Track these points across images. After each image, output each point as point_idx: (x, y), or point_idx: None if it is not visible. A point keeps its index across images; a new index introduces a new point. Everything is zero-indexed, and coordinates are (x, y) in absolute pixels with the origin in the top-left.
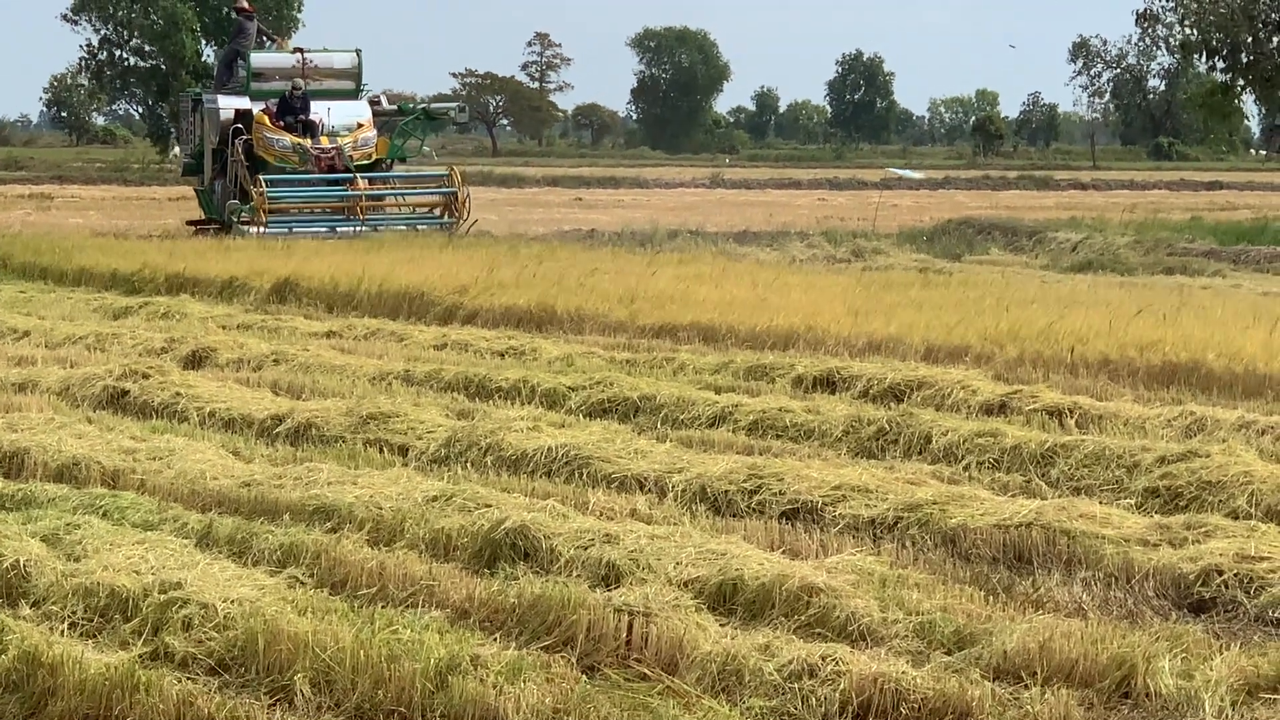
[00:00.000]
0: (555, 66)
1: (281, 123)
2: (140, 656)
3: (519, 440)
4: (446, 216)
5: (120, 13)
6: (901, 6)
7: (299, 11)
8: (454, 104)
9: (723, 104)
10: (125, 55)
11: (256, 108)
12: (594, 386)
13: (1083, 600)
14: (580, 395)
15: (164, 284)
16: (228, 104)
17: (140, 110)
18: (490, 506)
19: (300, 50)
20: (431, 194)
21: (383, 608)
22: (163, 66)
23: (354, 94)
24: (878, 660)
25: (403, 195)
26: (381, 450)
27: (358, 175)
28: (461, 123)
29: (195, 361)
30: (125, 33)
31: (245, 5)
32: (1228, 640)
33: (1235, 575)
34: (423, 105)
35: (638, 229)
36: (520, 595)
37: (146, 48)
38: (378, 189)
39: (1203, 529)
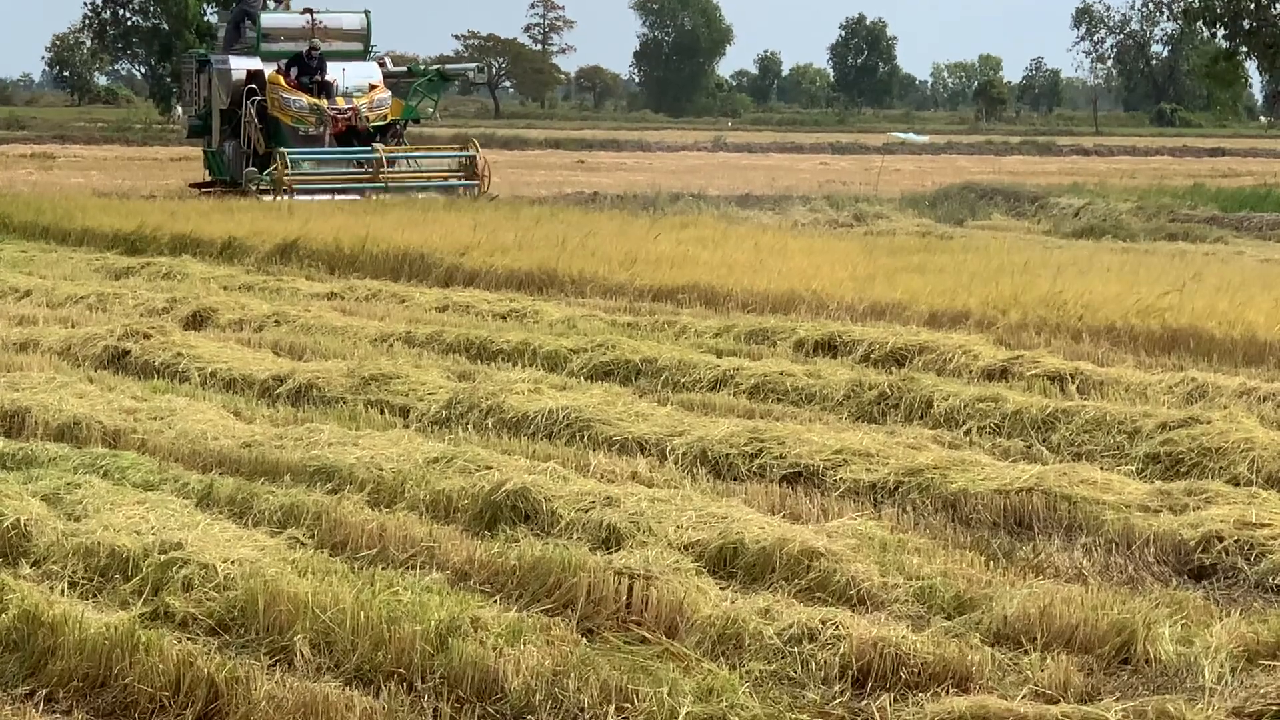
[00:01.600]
0: (558, 29)
1: (297, 83)
2: (140, 616)
3: (520, 402)
4: (463, 189)
5: None
6: None
7: None
8: (472, 64)
9: (725, 67)
10: (128, 15)
11: (268, 68)
12: (595, 349)
13: (1083, 566)
14: (581, 358)
15: (166, 244)
16: (239, 65)
17: (143, 70)
18: (491, 468)
19: (309, 11)
20: (451, 180)
21: (383, 569)
22: (165, 26)
23: (362, 55)
24: (878, 625)
25: (422, 177)
26: (382, 412)
27: (379, 150)
28: (480, 83)
29: (196, 322)
30: None
31: None
32: (1228, 607)
33: (1236, 542)
34: (436, 66)
35: (640, 192)
36: (520, 557)
37: (150, 7)
38: (399, 159)
39: (1203, 495)
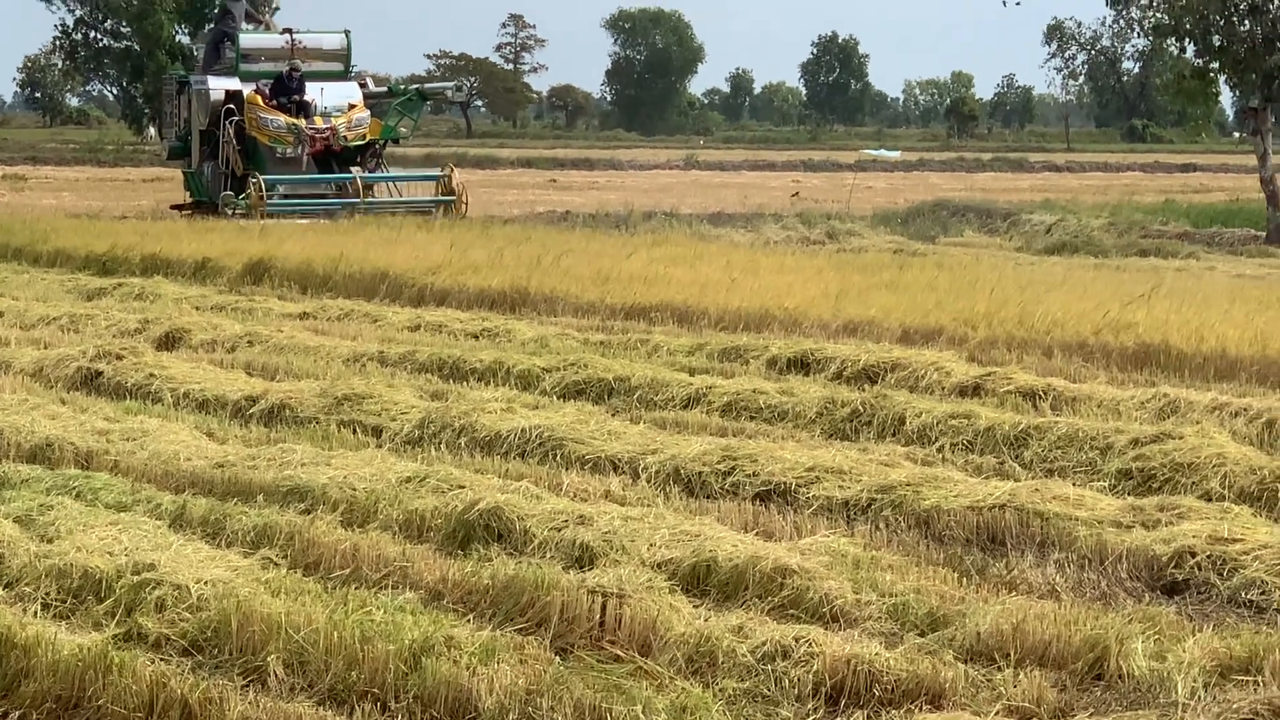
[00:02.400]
0: (529, 48)
1: (275, 103)
2: (113, 637)
3: (493, 421)
4: (442, 212)
5: None
6: None
7: None
8: (449, 83)
9: (697, 86)
10: (99, 36)
11: (247, 89)
12: (568, 368)
13: (1056, 582)
14: (554, 377)
15: (138, 265)
16: (218, 85)
17: (115, 91)
18: (464, 488)
19: (289, 31)
20: (429, 200)
21: (356, 589)
22: (137, 47)
23: (343, 75)
24: (851, 642)
25: (399, 198)
26: (355, 431)
27: (357, 176)
28: (458, 101)
29: (169, 342)
30: (100, 13)
31: None
32: (1200, 622)
33: (1208, 557)
34: (415, 86)
35: (612, 211)
36: (494, 576)
37: (121, 28)
38: (375, 183)
39: (1176, 511)
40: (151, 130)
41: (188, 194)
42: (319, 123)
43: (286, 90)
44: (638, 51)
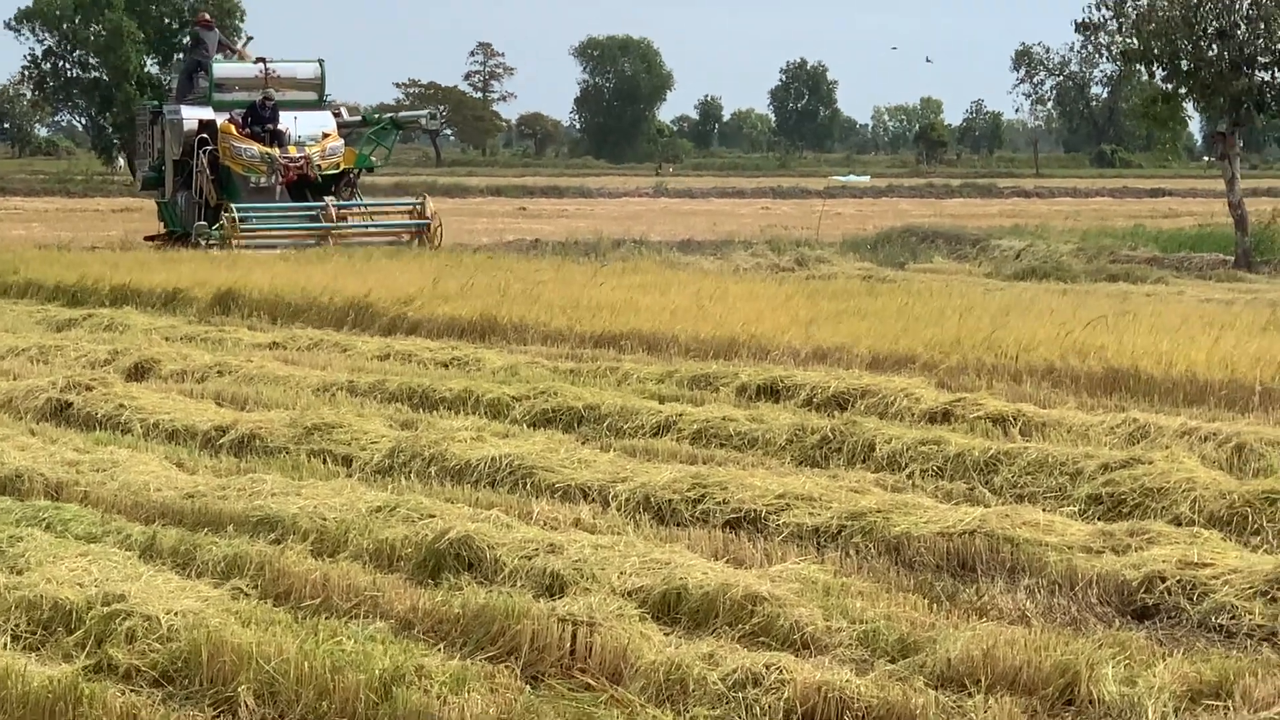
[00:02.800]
0: (498, 76)
1: (249, 132)
2: (84, 669)
3: (463, 450)
4: (416, 243)
5: (65, 24)
6: (845, 14)
7: (241, 21)
8: (423, 111)
9: (666, 113)
10: (68, 66)
11: (220, 118)
12: (538, 396)
13: (1026, 607)
14: (524, 405)
15: (107, 295)
16: (191, 115)
17: (84, 122)
18: (434, 517)
19: (263, 60)
20: (401, 225)
21: (327, 618)
22: (106, 78)
23: (317, 104)
24: (821, 669)
25: (373, 233)
26: (325, 461)
27: (331, 204)
28: (433, 129)
29: (139, 373)
30: (69, 44)
31: (206, 17)
32: (1171, 647)
33: (1178, 582)
34: (389, 115)
35: (582, 238)
36: (464, 605)
37: (90, 59)
38: (350, 214)
39: (1145, 536)
40: (121, 160)
41: (161, 225)
42: (293, 151)
43: (260, 119)
44: (606, 79)
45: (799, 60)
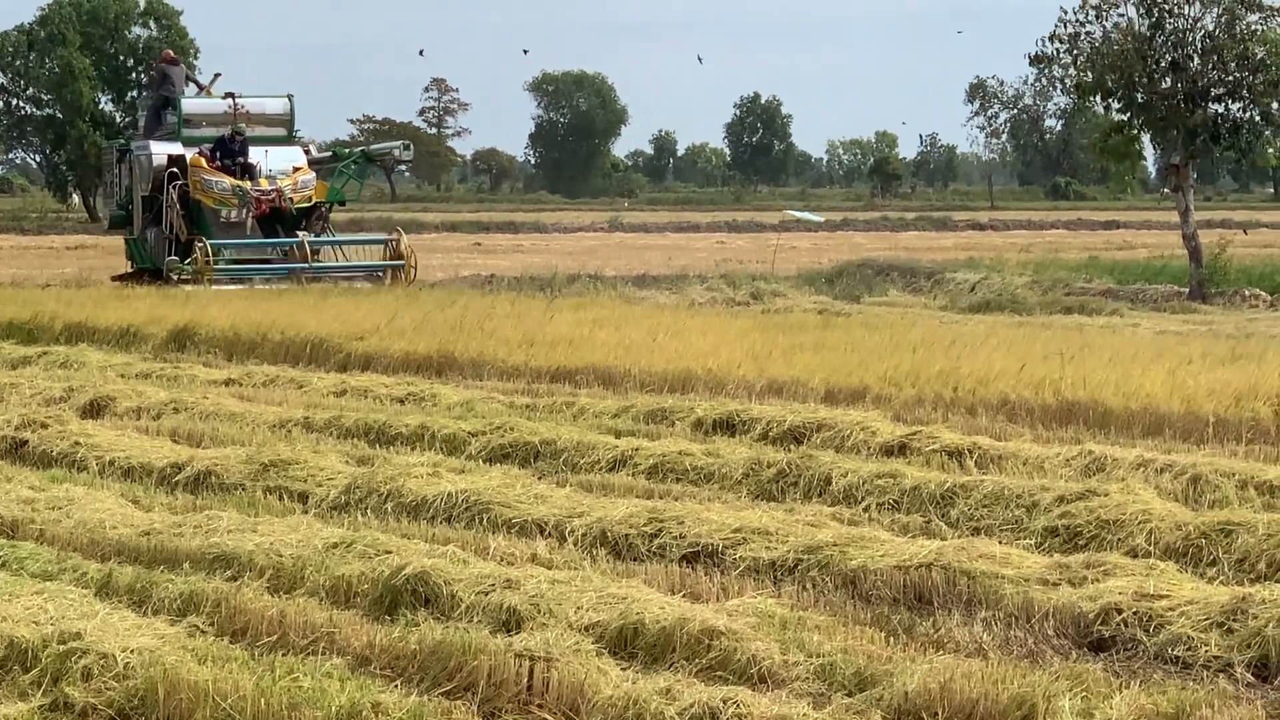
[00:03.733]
0: (453, 112)
1: (218, 165)
2: (40, 708)
3: (419, 486)
4: (390, 278)
5: (17, 61)
6: (800, 49)
7: (196, 59)
8: (396, 143)
9: (621, 148)
10: (21, 104)
11: (190, 153)
12: (494, 431)
13: (983, 640)
14: (480, 440)
15: (62, 333)
16: (160, 150)
17: (37, 159)
18: (390, 553)
19: (231, 95)
20: (378, 265)
21: (283, 655)
22: (59, 115)
23: (286, 140)
24: (779, 703)
25: (346, 263)
26: (281, 498)
27: (305, 240)
28: (407, 160)
29: (94, 410)
30: (21, 81)
31: (170, 54)
32: (1127, 678)
33: (1134, 614)
34: (360, 148)
35: (537, 274)
36: (421, 642)
37: (43, 96)
38: (323, 246)
39: (1102, 568)
40: (75, 197)
41: (130, 263)
42: (265, 185)
43: (230, 153)
44: (561, 114)
45: (753, 94)
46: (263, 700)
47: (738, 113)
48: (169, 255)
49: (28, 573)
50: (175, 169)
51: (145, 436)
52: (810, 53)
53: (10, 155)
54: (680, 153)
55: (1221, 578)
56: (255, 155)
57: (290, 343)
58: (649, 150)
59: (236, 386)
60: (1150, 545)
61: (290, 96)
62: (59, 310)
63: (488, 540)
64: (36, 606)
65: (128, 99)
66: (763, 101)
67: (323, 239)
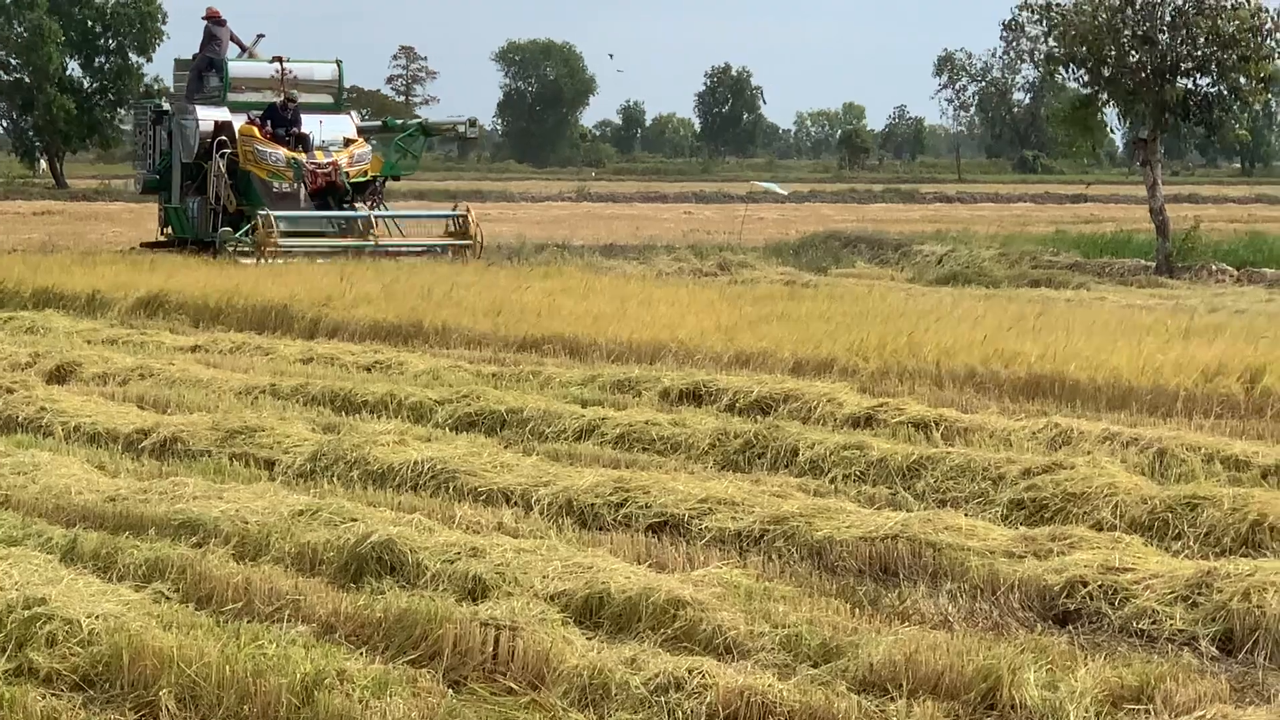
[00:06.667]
0: (420, 80)
1: (270, 134)
2: (3, 673)
3: (385, 454)
4: (457, 245)
5: None
6: (770, 20)
7: (163, 24)
8: (461, 118)
9: (589, 117)
10: None
11: (238, 120)
12: (460, 400)
13: (948, 612)
14: (447, 409)
15: (29, 298)
16: (206, 115)
17: (4, 124)
18: (356, 521)
19: (279, 59)
20: (446, 244)
21: (248, 622)
22: (27, 80)
23: (335, 107)
24: (744, 673)
25: (414, 242)
26: (248, 464)
27: (372, 215)
28: (471, 137)
29: (60, 376)
30: None
31: (215, 10)
32: (1092, 651)
33: (1100, 587)
34: (418, 120)
35: (504, 243)
36: (386, 609)
37: (11, 60)
38: (383, 220)
39: (1067, 541)
40: (43, 163)
41: (165, 230)
42: (320, 157)
43: (283, 122)
44: (529, 84)
45: (724, 65)
46: (227, 667)
47: (708, 83)
48: (218, 226)
49: None
50: (224, 136)
51: (111, 402)
52: (781, 24)
53: None
54: (649, 123)
55: (1187, 551)
56: (308, 125)
57: (256, 310)
58: (617, 120)
59: (203, 353)
60: (1116, 519)
61: (339, 62)
62: (26, 276)
63: (453, 509)
64: (1, 572)
65: (95, 64)
66: (733, 72)
67: (386, 213)
